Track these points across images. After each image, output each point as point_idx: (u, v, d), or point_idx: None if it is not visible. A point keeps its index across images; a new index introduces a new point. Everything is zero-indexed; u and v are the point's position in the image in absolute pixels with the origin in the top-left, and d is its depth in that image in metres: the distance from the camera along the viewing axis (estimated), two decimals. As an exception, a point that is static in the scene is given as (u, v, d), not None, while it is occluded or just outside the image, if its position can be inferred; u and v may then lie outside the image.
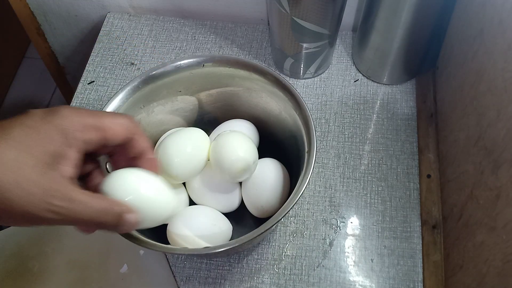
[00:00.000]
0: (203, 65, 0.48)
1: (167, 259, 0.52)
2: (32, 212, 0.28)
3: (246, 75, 0.48)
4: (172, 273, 0.51)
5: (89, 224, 0.32)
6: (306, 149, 0.44)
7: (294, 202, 0.40)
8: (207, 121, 0.54)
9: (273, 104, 0.49)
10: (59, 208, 0.29)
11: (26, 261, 0.52)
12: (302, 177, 0.42)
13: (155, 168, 0.37)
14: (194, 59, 0.48)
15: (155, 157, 0.38)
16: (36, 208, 0.28)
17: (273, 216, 0.40)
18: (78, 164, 0.32)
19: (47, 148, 0.29)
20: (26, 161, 0.29)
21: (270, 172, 0.48)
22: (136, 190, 0.36)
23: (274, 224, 0.39)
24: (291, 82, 0.57)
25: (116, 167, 0.38)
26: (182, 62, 0.48)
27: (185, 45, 0.69)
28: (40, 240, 0.53)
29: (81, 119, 0.31)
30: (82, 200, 0.30)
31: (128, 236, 0.39)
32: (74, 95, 0.65)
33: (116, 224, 0.32)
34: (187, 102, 0.52)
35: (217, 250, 0.40)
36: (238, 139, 0.46)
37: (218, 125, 0.52)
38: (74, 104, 0.64)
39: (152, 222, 0.39)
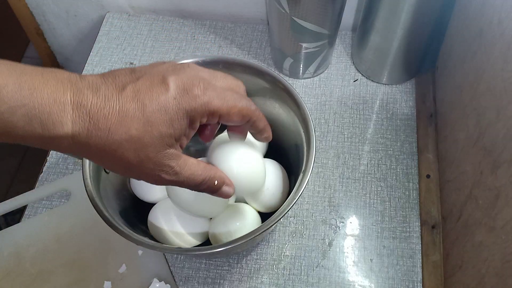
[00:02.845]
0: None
1: (166, 259, 0.52)
2: (144, 174, 0.32)
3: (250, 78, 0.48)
4: (171, 273, 0.51)
5: (192, 189, 0.35)
6: (305, 149, 0.44)
7: (293, 202, 0.40)
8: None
9: (272, 104, 0.49)
10: (168, 179, 0.32)
11: (24, 261, 0.52)
12: (302, 177, 0.42)
13: (267, 139, 0.40)
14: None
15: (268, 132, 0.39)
16: (147, 176, 0.32)
17: (272, 216, 0.40)
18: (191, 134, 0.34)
19: (172, 132, 0.30)
20: (149, 140, 0.30)
21: (269, 172, 0.48)
22: (239, 165, 0.41)
23: (273, 224, 0.39)
24: (290, 82, 0.57)
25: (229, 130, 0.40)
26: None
27: (185, 45, 0.69)
28: (39, 240, 0.53)
29: (208, 102, 0.31)
30: (189, 174, 0.33)
31: (127, 236, 0.39)
32: (73, 95, 0.65)
33: (213, 191, 0.36)
34: None
35: (216, 250, 0.40)
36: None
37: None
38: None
39: (249, 192, 0.45)
